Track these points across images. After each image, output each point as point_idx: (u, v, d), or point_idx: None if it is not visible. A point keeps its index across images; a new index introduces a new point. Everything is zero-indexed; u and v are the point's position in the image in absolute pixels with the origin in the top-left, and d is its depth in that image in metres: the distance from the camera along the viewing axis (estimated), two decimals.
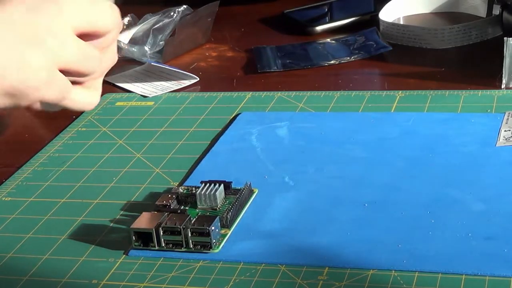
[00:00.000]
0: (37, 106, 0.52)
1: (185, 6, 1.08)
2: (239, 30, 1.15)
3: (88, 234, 0.68)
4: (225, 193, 0.69)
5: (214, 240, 0.64)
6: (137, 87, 0.97)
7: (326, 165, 0.75)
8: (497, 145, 0.74)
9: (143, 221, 0.65)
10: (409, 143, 0.77)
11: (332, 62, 0.99)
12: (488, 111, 0.81)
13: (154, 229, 0.64)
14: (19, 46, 0.48)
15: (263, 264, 0.62)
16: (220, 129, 0.84)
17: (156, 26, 1.06)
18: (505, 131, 0.76)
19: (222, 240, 0.65)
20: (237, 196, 0.69)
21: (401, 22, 1.07)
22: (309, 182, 0.72)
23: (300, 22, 1.11)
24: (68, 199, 0.74)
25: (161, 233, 0.64)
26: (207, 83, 0.97)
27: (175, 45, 1.05)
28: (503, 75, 0.86)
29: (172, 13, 1.07)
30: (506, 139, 0.75)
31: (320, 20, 1.11)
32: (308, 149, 0.78)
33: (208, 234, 0.63)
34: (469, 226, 0.63)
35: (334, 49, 1.02)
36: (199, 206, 0.68)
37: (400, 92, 0.88)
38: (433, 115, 0.82)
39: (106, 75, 0.55)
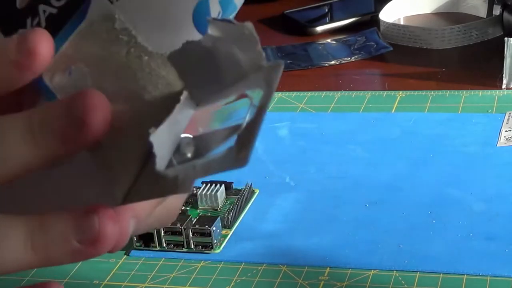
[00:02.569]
0: None
1: None
2: None
3: None
4: (226, 194, 0.69)
5: (215, 241, 0.64)
6: None
7: (327, 166, 0.75)
8: (498, 145, 0.74)
9: None
10: (410, 144, 0.76)
11: (332, 62, 0.99)
12: (489, 111, 0.81)
13: (155, 230, 0.64)
14: None
15: (264, 265, 0.62)
16: None
17: None
18: (506, 131, 0.76)
19: (223, 241, 0.65)
20: (238, 196, 0.69)
21: (402, 23, 1.07)
22: (310, 182, 0.72)
23: (300, 22, 1.11)
24: None
25: (162, 234, 0.64)
26: None
27: None
28: (504, 75, 0.86)
29: None
30: (507, 139, 0.75)
31: (321, 20, 1.11)
32: (309, 149, 0.78)
33: (209, 235, 0.63)
34: (470, 226, 0.63)
35: (334, 50, 1.02)
36: (200, 207, 0.68)
37: (401, 92, 0.88)
38: (434, 116, 0.81)
39: None
